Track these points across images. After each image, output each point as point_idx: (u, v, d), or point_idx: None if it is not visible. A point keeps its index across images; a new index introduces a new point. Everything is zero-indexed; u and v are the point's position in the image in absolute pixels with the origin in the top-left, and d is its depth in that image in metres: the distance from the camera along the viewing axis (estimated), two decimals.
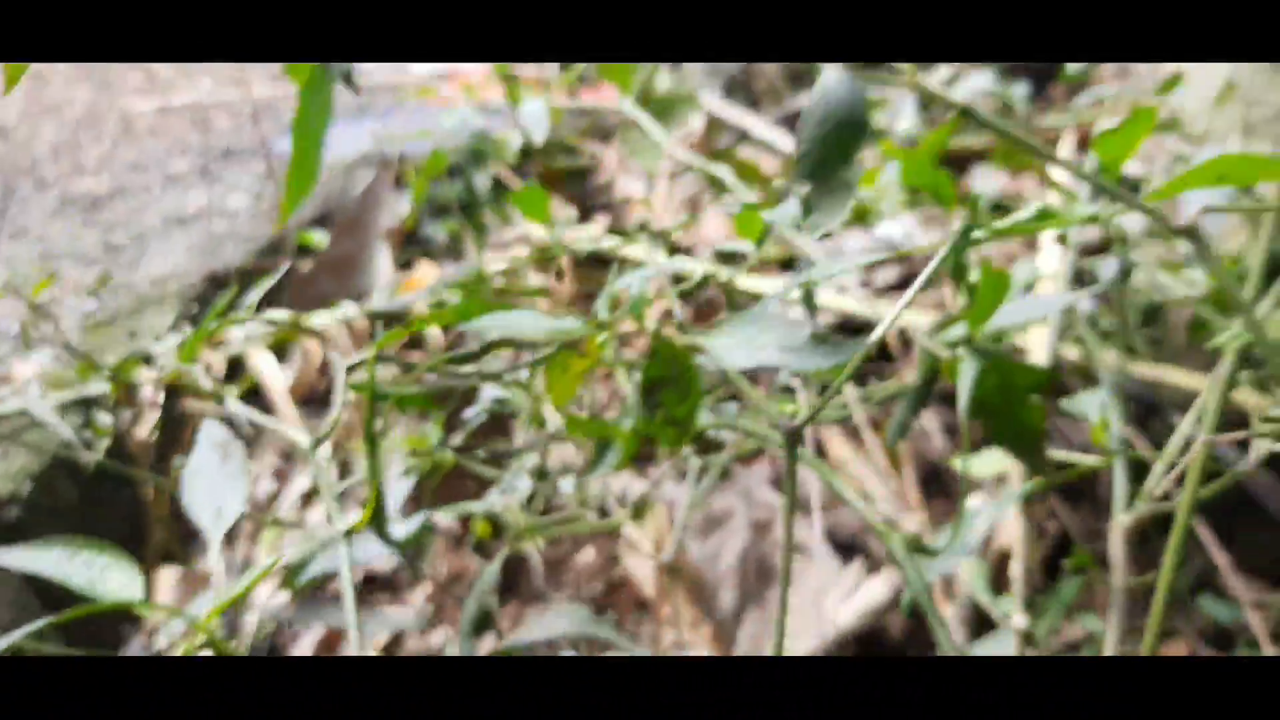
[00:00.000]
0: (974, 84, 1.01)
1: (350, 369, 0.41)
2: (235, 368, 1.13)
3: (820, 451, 1.11)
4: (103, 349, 1.10)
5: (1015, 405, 0.46)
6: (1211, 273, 0.32)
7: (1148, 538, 0.84)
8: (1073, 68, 1.10)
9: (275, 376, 1.00)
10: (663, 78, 1.36)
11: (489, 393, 0.48)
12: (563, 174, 1.27)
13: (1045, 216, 0.36)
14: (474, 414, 0.49)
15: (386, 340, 0.40)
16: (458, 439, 0.62)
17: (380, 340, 0.39)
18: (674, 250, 1.17)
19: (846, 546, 1.02)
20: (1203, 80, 0.91)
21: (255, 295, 0.62)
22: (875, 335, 0.33)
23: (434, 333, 1.16)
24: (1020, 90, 1.00)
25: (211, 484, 0.38)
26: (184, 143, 1.90)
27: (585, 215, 1.24)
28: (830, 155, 0.29)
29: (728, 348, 0.34)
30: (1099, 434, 0.50)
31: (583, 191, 1.25)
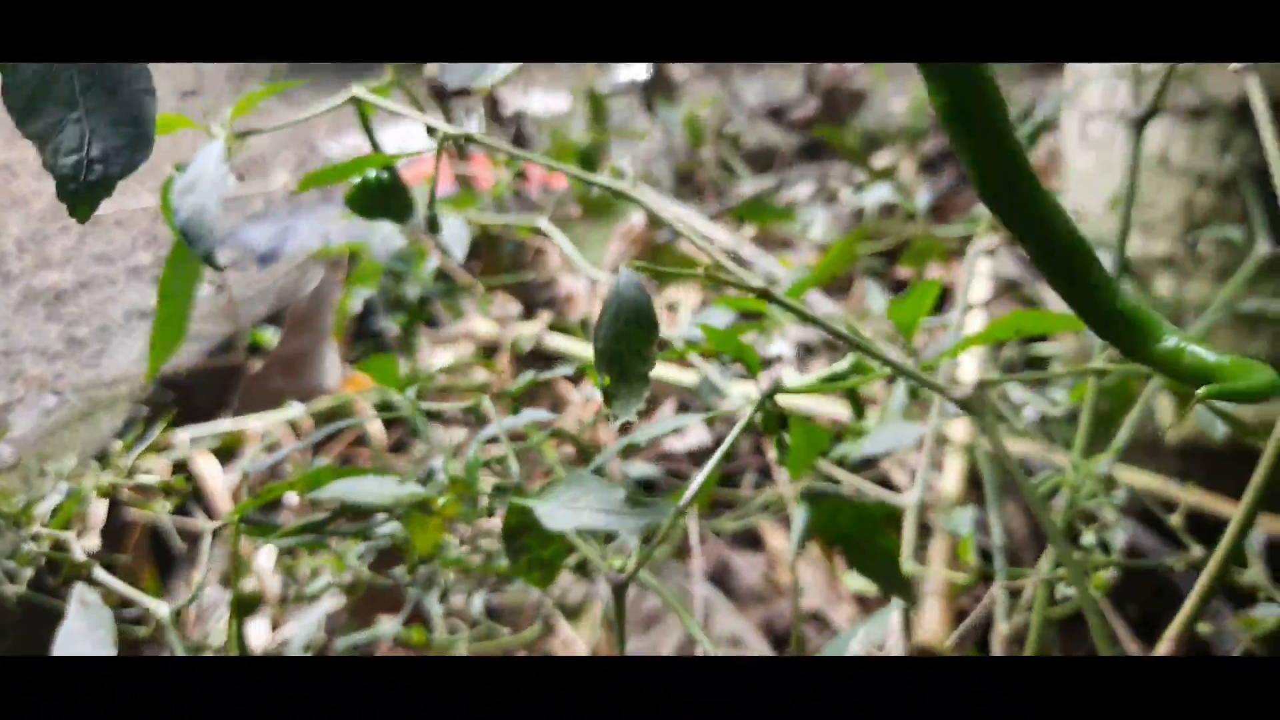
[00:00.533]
0: (876, 195, 1.07)
1: (217, 530, 0.43)
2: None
3: (759, 543, 1.14)
4: (54, 455, 1.12)
5: (872, 534, 0.48)
6: (995, 449, 0.35)
7: (1076, 622, 0.86)
8: None
9: (216, 480, 1.02)
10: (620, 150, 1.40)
11: (384, 528, 0.50)
12: (510, 275, 1.31)
13: (859, 370, 0.39)
14: (364, 550, 0.51)
15: (247, 505, 0.42)
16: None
17: (241, 505, 0.42)
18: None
19: (783, 638, 1.03)
20: (1102, 182, 0.95)
21: (153, 435, 0.65)
22: (688, 497, 0.36)
23: (377, 429, 1.18)
24: (922, 199, 1.05)
25: (78, 653, 0.40)
26: (149, 234, 1.93)
27: (530, 311, 1.27)
28: (623, 351, 0.32)
29: (550, 512, 0.37)
30: (965, 551, 0.53)
31: (528, 287, 1.29)
